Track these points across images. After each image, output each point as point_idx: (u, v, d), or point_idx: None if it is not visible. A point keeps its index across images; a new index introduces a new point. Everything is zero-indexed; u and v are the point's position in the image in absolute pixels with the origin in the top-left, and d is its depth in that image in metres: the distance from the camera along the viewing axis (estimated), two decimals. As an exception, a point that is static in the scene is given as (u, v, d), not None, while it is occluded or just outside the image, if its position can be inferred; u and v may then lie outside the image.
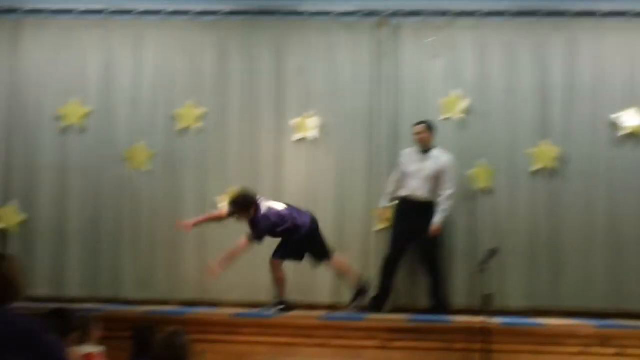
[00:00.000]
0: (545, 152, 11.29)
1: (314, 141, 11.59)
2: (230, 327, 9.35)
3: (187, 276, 11.63)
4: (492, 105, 11.45)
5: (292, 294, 10.77)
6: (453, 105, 11.44)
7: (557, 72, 11.41)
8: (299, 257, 10.46)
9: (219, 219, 10.69)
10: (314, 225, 10.41)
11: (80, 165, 11.86)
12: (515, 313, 10.63)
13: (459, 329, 9.21)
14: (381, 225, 11.25)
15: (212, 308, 10.88)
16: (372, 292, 10.81)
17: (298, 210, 10.44)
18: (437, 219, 10.67)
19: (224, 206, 10.90)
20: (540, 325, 9.57)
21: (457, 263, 11.25)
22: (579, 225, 11.21)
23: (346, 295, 10.87)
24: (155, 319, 8.91)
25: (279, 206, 10.38)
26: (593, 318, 10.21)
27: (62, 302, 9.47)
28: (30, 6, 12.00)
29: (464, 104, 11.44)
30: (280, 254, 10.37)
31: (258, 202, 10.29)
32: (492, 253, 9.34)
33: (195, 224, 10.59)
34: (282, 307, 10.21)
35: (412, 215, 10.78)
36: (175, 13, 11.84)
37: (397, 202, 10.97)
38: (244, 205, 10.27)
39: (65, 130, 11.88)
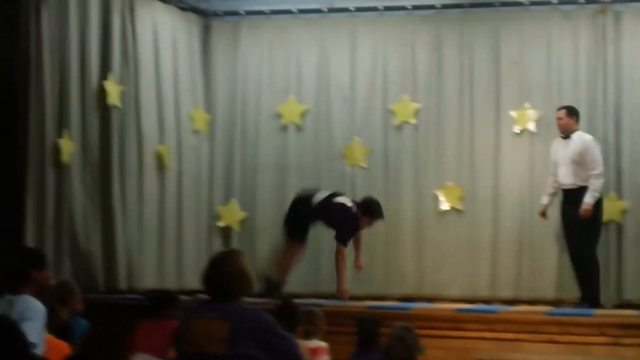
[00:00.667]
0: None
1: (532, 134, 11.37)
2: (454, 322, 9.25)
3: (404, 272, 11.61)
4: None
5: (510, 290, 10.70)
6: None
7: None
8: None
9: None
10: None
11: (298, 163, 12.02)
12: None
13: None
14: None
15: (429, 304, 10.83)
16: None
17: None
18: (587, 199, 10.19)
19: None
20: None
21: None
22: None
23: (571, 290, 10.60)
24: (379, 314, 8.90)
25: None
26: None
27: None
28: (247, 8, 12.27)
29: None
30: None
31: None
32: None
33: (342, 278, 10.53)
34: None
35: (565, 205, 10.44)
36: (390, 9, 11.86)
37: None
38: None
39: (283, 129, 12.06)
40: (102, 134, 10.63)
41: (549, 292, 11.03)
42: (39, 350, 5.80)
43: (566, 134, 10.50)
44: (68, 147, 10.09)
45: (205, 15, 12.43)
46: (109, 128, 10.67)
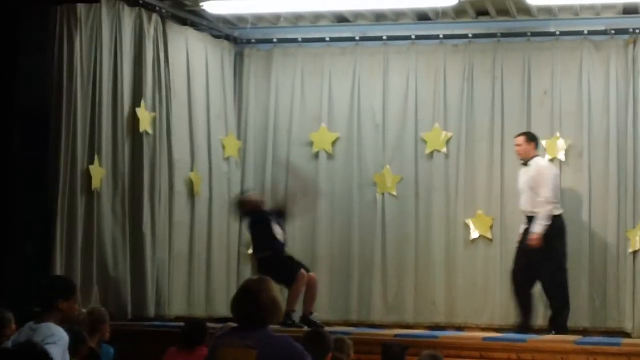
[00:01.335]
0: None
1: (562, 163, 11.34)
2: (482, 350, 9.21)
3: (434, 300, 11.58)
4: None
5: (539, 318, 10.71)
6: None
7: None
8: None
9: None
10: None
11: (328, 191, 12.02)
12: None
13: None
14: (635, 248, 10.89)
15: (458, 332, 10.79)
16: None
17: None
18: (533, 228, 10.31)
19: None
20: None
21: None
22: None
23: (600, 319, 10.55)
24: (407, 342, 8.87)
25: None
26: None
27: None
28: (280, 36, 12.32)
29: None
30: None
31: None
32: None
33: None
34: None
35: (525, 232, 10.54)
36: (422, 37, 11.88)
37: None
38: None
39: (314, 156, 12.08)
40: (133, 161, 10.69)
41: (579, 321, 10.97)
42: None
43: (525, 161, 10.59)
44: (99, 173, 10.14)
45: (238, 43, 12.50)
46: (140, 154, 10.73)
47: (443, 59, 11.85)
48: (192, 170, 11.53)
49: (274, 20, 12.16)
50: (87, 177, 10.02)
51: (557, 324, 10.43)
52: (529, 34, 11.60)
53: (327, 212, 11.97)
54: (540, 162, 10.62)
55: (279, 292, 5.23)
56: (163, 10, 11.18)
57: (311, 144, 12.12)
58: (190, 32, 11.72)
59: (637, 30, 11.26)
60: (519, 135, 10.80)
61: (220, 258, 11.88)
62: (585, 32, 11.43)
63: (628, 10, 11.20)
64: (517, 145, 10.74)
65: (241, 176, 12.32)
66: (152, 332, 9.83)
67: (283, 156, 12.13)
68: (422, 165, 11.82)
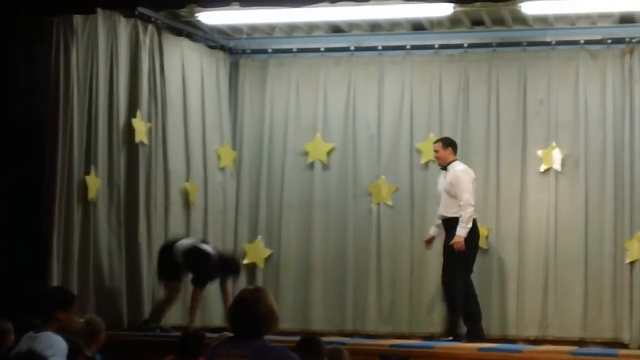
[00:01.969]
0: None
1: (558, 173, 11.35)
2: (475, 361, 9.26)
3: (429, 310, 11.57)
4: None
5: (535, 329, 10.68)
6: None
7: None
8: None
9: None
10: None
11: (323, 201, 12.02)
12: None
13: None
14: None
15: (454, 342, 10.79)
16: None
17: None
18: (457, 231, 10.38)
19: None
20: None
21: None
22: None
23: (596, 330, 10.56)
24: (402, 352, 8.88)
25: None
26: None
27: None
28: (275, 46, 12.34)
29: None
30: None
31: None
32: None
33: None
34: None
35: (445, 236, 10.68)
36: (417, 48, 11.90)
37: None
38: None
39: (310, 166, 12.09)
40: (128, 171, 10.70)
41: (575, 332, 10.99)
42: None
43: (443, 166, 10.70)
44: (95, 184, 10.14)
45: (233, 53, 12.51)
46: (135, 165, 10.74)
47: (438, 69, 11.86)
48: (187, 180, 11.53)
49: (269, 30, 12.17)
50: (83, 187, 10.02)
51: (452, 329, 10.59)
52: (524, 43, 11.61)
53: (322, 222, 11.97)
54: (457, 167, 10.71)
55: (275, 302, 5.22)
56: (159, 22, 11.19)
57: (306, 154, 12.12)
58: (185, 42, 11.74)
59: (633, 40, 11.27)
60: (437, 141, 10.94)
61: (215, 268, 11.86)
62: (582, 41, 11.44)
63: (624, 20, 11.21)
64: (436, 151, 10.88)
65: (236, 186, 12.33)
66: (148, 342, 9.82)
67: (277, 166, 12.18)
68: (417, 175, 11.83)
